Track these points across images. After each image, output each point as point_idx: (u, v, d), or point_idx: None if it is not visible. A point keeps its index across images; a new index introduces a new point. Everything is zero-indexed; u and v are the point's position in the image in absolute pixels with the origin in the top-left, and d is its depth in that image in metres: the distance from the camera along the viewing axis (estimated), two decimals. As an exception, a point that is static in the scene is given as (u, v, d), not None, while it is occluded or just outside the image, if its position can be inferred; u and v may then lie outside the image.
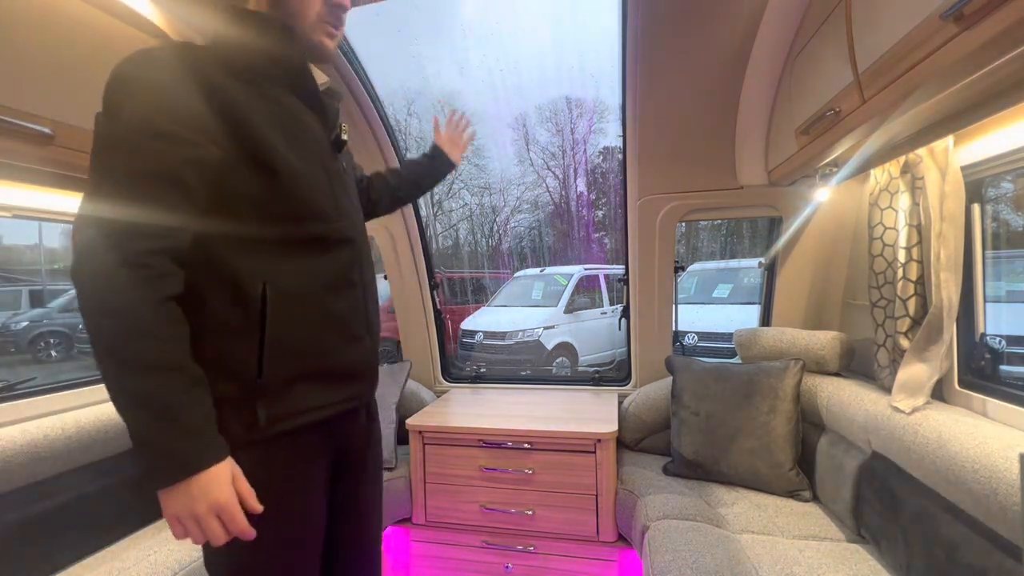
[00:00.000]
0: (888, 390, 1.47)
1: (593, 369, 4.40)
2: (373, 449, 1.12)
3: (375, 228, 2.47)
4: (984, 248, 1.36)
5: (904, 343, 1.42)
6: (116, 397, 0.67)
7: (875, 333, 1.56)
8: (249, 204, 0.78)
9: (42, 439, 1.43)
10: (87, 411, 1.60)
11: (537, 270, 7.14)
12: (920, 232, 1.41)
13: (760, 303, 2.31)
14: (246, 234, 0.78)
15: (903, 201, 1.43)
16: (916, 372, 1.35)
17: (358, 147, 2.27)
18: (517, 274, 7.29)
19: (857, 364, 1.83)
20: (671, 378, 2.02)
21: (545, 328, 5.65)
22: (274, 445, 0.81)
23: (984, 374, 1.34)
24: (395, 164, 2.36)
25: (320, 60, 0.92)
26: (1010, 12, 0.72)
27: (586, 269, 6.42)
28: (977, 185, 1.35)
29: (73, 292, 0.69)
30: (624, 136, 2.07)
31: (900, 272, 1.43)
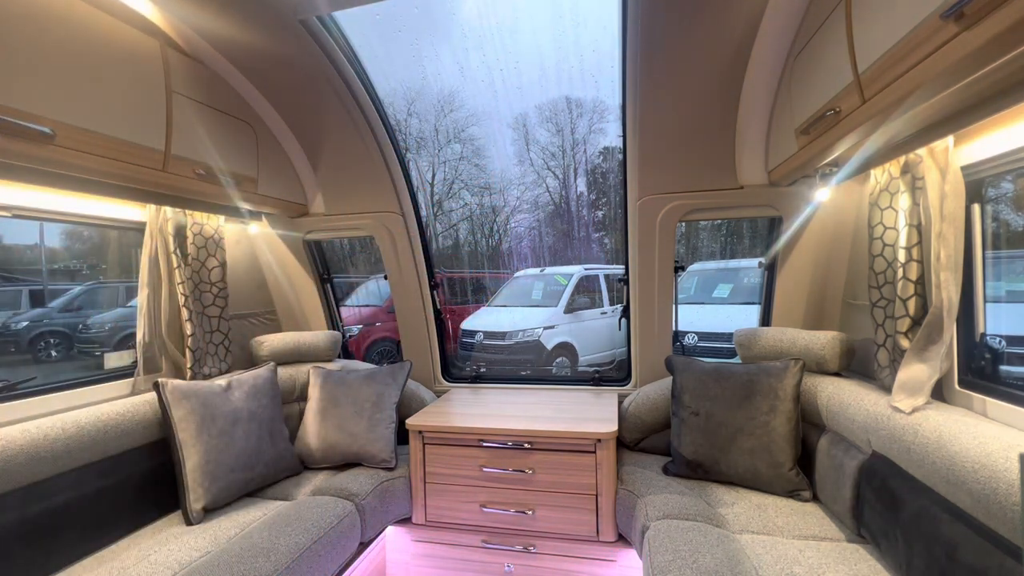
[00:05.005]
0: (888, 390, 1.47)
1: (593, 369, 4.40)
2: None
3: (375, 227, 2.48)
4: (984, 248, 1.36)
5: (904, 343, 1.42)
6: None
7: (875, 333, 1.56)
8: None
9: (42, 439, 1.43)
10: (87, 411, 1.60)
11: (537, 270, 7.14)
12: (920, 232, 1.41)
13: (760, 303, 2.31)
14: None
15: (903, 201, 1.43)
16: (916, 372, 1.35)
17: (358, 147, 2.27)
18: (517, 274, 7.28)
19: (857, 364, 1.83)
20: (671, 378, 2.02)
21: (545, 328, 5.65)
22: None
23: (984, 374, 1.34)
24: (395, 164, 2.36)
25: None
26: (1010, 12, 0.72)
27: (586, 269, 6.42)
28: (977, 185, 1.35)
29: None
30: (624, 136, 2.07)
31: (900, 272, 1.43)
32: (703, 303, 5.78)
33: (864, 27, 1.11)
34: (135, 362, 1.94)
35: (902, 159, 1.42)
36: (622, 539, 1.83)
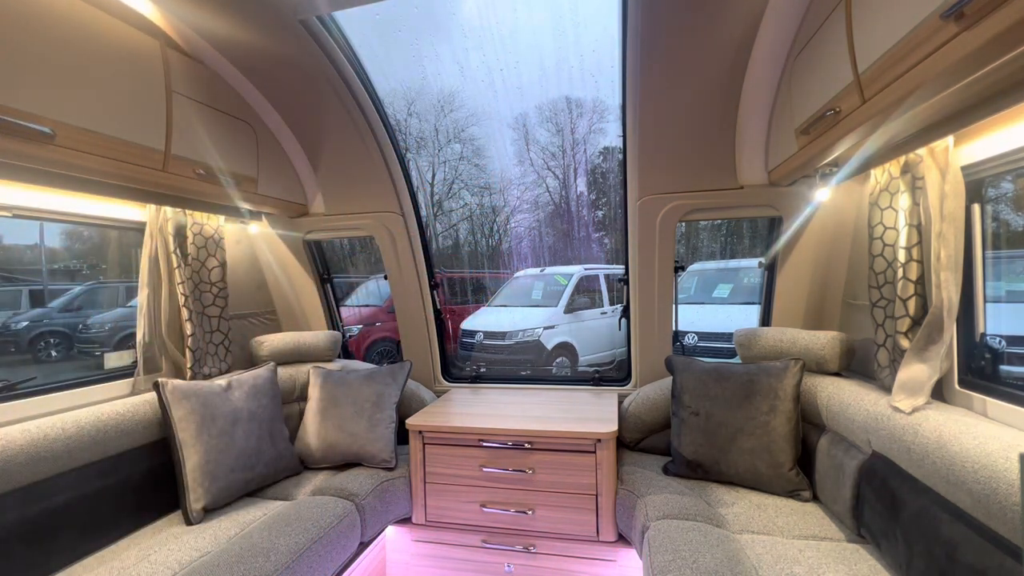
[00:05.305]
0: (888, 390, 1.47)
1: (593, 369, 4.40)
2: None
3: (375, 227, 2.48)
4: (984, 248, 1.36)
5: (904, 343, 1.42)
6: None
7: (875, 333, 1.56)
8: None
9: (42, 439, 1.43)
10: (87, 411, 1.60)
11: (537, 270, 7.14)
12: (920, 232, 1.41)
13: (760, 303, 2.31)
14: None
15: (903, 201, 1.43)
16: (916, 372, 1.35)
17: (358, 147, 2.27)
18: (517, 274, 7.28)
19: (857, 364, 1.82)
20: (671, 378, 2.02)
21: (545, 328, 5.65)
22: None
23: (984, 374, 1.34)
24: (395, 164, 2.36)
25: None
26: (1010, 12, 0.72)
27: (586, 269, 6.42)
28: (977, 185, 1.35)
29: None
30: (624, 136, 2.07)
31: (900, 272, 1.43)
32: (703, 303, 5.78)
33: (864, 27, 1.11)
34: (135, 362, 1.94)
35: (902, 159, 1.42)
36: (622, 539, 1.83)
